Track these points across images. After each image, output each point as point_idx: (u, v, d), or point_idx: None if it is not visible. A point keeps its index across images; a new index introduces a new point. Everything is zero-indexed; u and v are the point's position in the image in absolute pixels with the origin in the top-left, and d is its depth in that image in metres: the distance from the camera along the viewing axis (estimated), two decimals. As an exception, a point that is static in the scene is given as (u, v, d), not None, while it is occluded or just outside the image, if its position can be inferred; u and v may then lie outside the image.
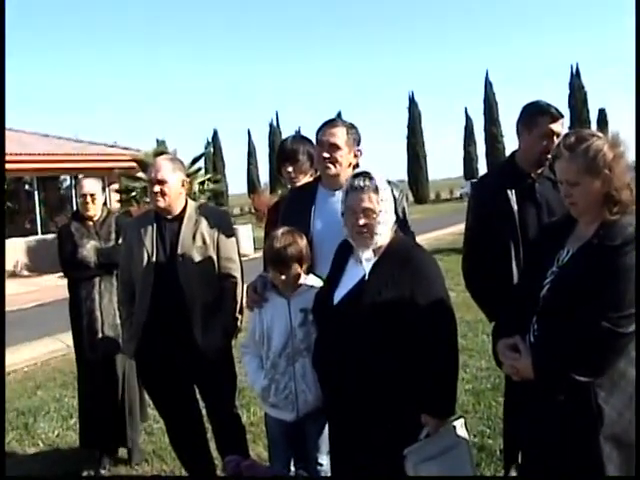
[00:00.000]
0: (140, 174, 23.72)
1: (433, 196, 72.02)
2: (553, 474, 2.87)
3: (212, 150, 68.02)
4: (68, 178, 25.80)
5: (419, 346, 3.22)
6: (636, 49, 3.81)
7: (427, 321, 3.21)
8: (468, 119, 73.83)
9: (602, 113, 65.53)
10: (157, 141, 28.02)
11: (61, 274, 5.74)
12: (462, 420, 3.64)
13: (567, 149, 2.83)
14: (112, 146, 27.69)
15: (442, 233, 26.30)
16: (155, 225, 4.39)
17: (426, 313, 3.21)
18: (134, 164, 23.72)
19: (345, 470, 3.50)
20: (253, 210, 30.36)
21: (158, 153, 24.37)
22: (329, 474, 3.79)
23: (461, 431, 3.44)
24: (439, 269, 3.42)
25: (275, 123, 73.93)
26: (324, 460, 3.87)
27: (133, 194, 23.69)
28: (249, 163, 76.89)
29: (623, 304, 2.65)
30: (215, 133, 75.59)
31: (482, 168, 71.99)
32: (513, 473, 3.53)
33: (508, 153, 4.32)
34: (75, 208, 5.71)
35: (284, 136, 4.60)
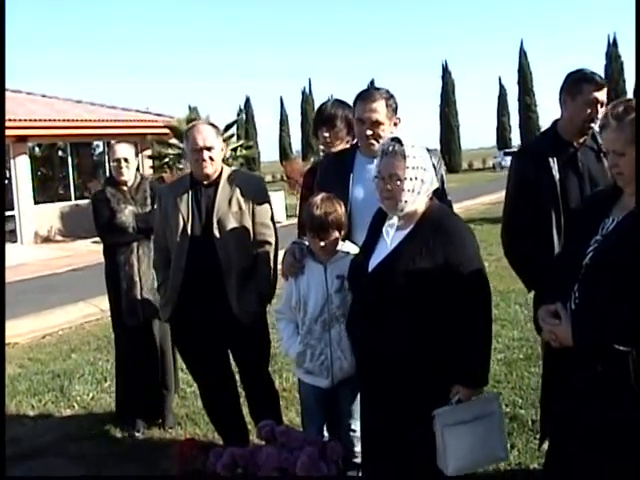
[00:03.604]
0: (173, 140, 23.84)
1: (465, 165, 71.57)
2: (587, 444, 2.85)
3: (244, 117, 67.91)
4: (101, 144, 25.96)
5: (453, 314, 3.21)
6: (636, 48, 3.76)
7: (461, 289, 3.19)
8: (502, 88, 73.06)
9: (640, 84, 64.41)
10: (189, 108, 27.88)
11: (94, 239, 5.79)
12: (497, 395, 3.65)
13: (615, 119, 2.79)
14: (145, 112, 27.75)
15: (474, 203, 26.16)
16: (191, 191, 4.40)
17: (460, 281, 3.20)
18: (167, 130, 23.84)
19: (374, 435, 3.51)
20: (285, 177, 30.32)
21: (191, 120, 24.46)
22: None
23: (495, 405, 3.43)
24: (473, 237, 3.37)
25: (308, 90, 73.61)
26: (357, 426, 3.87)
27: (166, 160, 23.83)
28: (281, 130, 76.70)
29: None
30: (247, 100, 75.45)
31: (515, 138, 71.42)
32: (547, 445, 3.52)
33: (542, 124, 4.28)
34: (108, 174, 5.70)
35: (317, 104, 4.55)
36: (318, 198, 3.79)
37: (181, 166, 22.72)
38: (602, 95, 3.84)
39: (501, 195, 4.50)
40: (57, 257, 18.17)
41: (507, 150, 66.85)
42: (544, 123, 64.97)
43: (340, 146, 4.44)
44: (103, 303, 9.94)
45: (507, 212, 4.15)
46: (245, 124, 66.97)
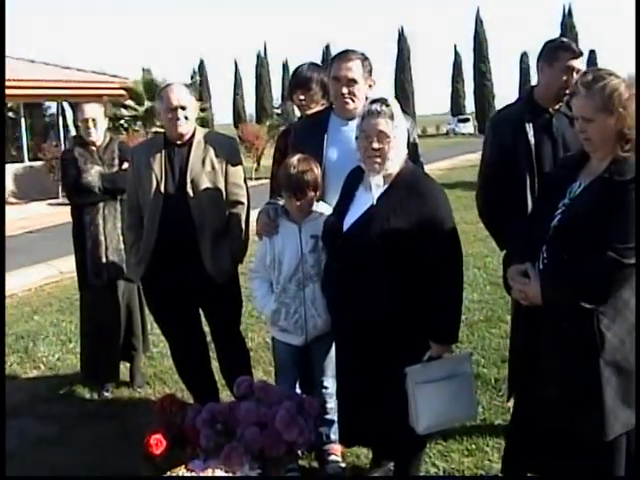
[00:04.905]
0: (129, 102, 23.53)
1: (419, 131, 71.64)
2: (551, 398, 2.99)
3: (198, 80, 67.16)
4: (54, 105, 25.43)
5: (426, 272, 3.32)
6: (636, 45, 3.88)
7: (434, 248, 3.32)
8: (457, 55, 73.30)
9: (592, 54, 65.09)
10: (143, 69, 27.55)
11: (49, 201, 5.75)
12: (469, 355, 3.77)
13: (584, 86, 2.90)
14: (101, 73, 27.26)
15: (430, 168, 25.98)
16: (164, 150, 4.39)
17: (433, 240, 3.31)
18: (122, 92, 23.49)
19: (351, 393, 3.61)
20: (239, 141, 30.10)
21: (148, 81, 24.17)
22: (333, 397, 3.91)
23: (466, 364, 3.55)
24: (446, 198, 3.50)
25: (263, 54, 73.10)
26: (329, 383, 3.98)
27: (121, 122, 23.53)
28: (235, 94, 76.24)
29: (629, 236, 2.75)
30: (202, 63, 74.69)
31: (470, 105, 71.83)
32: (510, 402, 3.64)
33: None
34: (62, 135, 5.66)
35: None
36: (295, 158, 3.84)
37: (137, 128, 22.49)
38: (578, 63, 3.94)
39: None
40: (12, 219, 17.86)
41: (461, 117, 67.28)
42: (498, 91, 65.63)
43: (315, 109, 4.47)
44: (62, 265, 9.91)
45: (483, 175, 4.23)
46: (199, 87, 66.21)
